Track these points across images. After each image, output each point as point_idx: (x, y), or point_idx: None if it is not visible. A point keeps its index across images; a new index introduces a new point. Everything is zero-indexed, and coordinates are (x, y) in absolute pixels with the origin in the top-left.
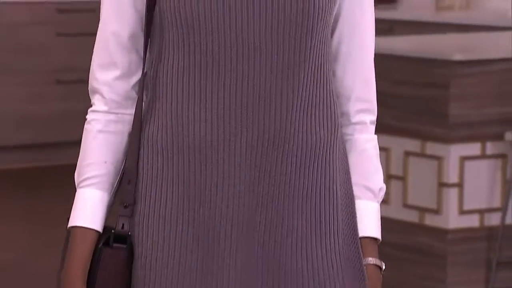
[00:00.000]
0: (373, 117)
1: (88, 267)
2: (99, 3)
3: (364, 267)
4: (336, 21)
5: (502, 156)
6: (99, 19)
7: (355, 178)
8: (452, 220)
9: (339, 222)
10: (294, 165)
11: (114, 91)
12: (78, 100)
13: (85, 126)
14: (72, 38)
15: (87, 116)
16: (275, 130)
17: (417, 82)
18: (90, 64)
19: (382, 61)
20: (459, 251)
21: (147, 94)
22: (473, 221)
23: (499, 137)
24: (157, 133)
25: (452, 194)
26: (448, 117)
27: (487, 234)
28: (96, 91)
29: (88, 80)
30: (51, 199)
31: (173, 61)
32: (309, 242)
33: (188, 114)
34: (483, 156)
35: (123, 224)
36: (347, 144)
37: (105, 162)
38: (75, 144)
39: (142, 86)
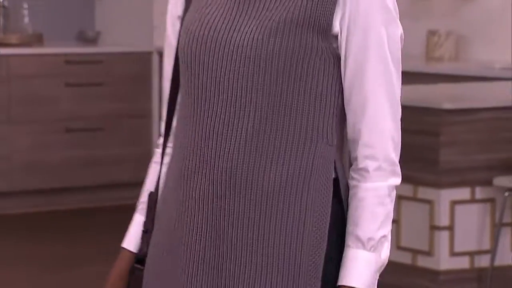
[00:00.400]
0: (381, 163)
1: (118, 282)
2: (105, 55)
3: None
4: (346, 66)
5: (491, 201)
6: (108, 70)
7: (347, 227)
8: (444, 261)
9: (300, 270)
10: (252, 206)
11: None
12: (86, 148)
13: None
14: (80, 88)
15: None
16: (234, 167)
17: (409, 129)
18: (97, 113)
19: None
20: None
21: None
22: (463, 263)
23: (487, 183)
24: (168, 163)
25: (443, 237)
26: (438, 163)
27: (477, 275)
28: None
29: (95, 129)
30: (58, 242)
31: (181, 99)
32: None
33: (176, 152)
34: (472, 200)
35: (142, 247)
36: (351, 190)
37: (151, 189)
38: (83, 189)
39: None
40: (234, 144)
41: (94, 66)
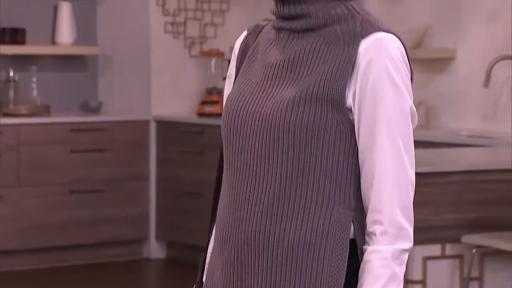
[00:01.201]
0: (387, 228)
1: None
2: (107, 123)
3: None
4: (359, 137)
5: (460, 257)
6: (109, 138)
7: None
8: None
9: None
10: (271, 260)
11: None
12: (88, 208)
13: None
14: (83, 154)
15: None
16: (257, 228)
17: None
18: (99, 176)
19: None
20: None
21: None
22: None
23: (456, 240)
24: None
25: None
26: (414, 221)
27: None
28: None
29: (97, 191)
30: None
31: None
32: None
33: (219, 210)
34: (443, 256)
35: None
36: (364, 253)
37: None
38: (85, 246)
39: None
40: (259, 208)
41: (97, 133)
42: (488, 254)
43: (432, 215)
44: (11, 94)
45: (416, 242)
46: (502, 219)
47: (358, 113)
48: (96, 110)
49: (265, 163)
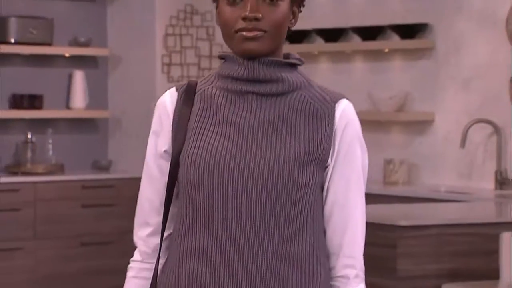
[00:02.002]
0: (357, 272)
1: None
2: (115, 180)
3: None
4: (328, 191)
5: None
6: (118, 194)
7: None
8: None
9: None
10: None
11: (146, 245)
12: (99, 259)
13: (127, 272)
14: (94, 209)
15: (129, 264)
16: (259, 283)
17: (371, 242)
18: (109, 230)
19: None
20: None
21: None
22: None
23: None
24: (166, 279)
25: None
26: (396, 271)
27: None
28: (135, 244)
29: (106, 243)
30: None
31: (183, 220)
32: None
33: (189, 269)
34: None
35: None
36: None
37: None
38: None
39: (161, 238)
40: (262, 258)
41: (106, 190)
42: None
43: (414, 265)
44: (29, 154)
45: None
46: (477, 270)
47: (332, 171)
48: (106, 169)
49: (263, 217)
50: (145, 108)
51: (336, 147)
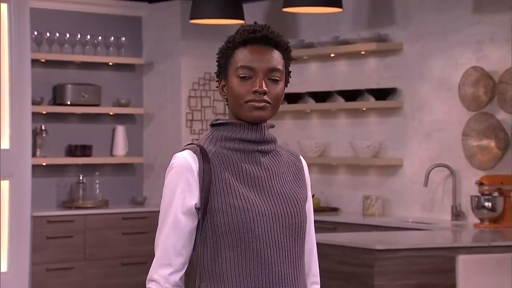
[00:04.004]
0: (319, 286)
1: None
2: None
3: None
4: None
5: None
6: (151, 223)
7: None
8: None
9: None
10: None
11: (168, 281)
12: (136, 276)
13: None
14: (132, 236)
15: None
16: None
17: (352, 263)
18: (143, 252)
19: (329, 248)
20: None
21: (202, 278)
22: None
23: None
24: None
25: None
26: (373, 286)
27: None
28: (154, 280)
29: (142, 263)
30: None
31: (226, 255)
32: None
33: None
34: None
35: None
36: None
37: None
38: None
39: (196, 273)
40: (297, 280)
41: (142, 220)
42: None
43: (389, 281)
44: (80, 192)
45: None
46: (438, 285)
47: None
48: (141, 203)
49: (286, 247)
50: (172, 154)
51: (307, 189)
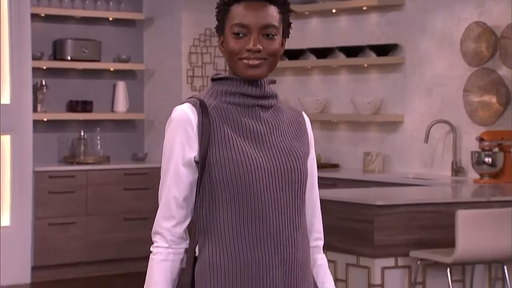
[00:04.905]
0: (323, 242)
1: None
2: (150, 169)
3: None
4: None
5: (408, 267)
6: (152, 179)
7: (318, 283)
8: None
9: None
10: (299, 275)
11: (172, 234)
12: (137, 231)
13: (151, 256)
14: (133, 191)
15: (152, 250)
16: (289, 254)
17: (353, 218)
18: (145, 208)
19: (330, 204)
20: None
21: (200, 232)
22: None
23: (406, 255)
24: (217, 258)
25: None
26: (373, 241)
27: None
28: (158, 233)
29: (143, 218)
30: None
31: (222, 210)
32: None
33: (237, 246)
34: (396, 266)
35: None
36: (311, 260)
37: (167, 282)
38: (135, 259)
39: (195, 228)
40: (295, 237)
41: (143, 176)
42: (429, 265)
43: (388, 236)
44: (82, 148)
45: (377, 256)
46: (438, 239)
47: (308, 164)
48: (142, 159)
49: (289, 203)
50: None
51: (309, 145)
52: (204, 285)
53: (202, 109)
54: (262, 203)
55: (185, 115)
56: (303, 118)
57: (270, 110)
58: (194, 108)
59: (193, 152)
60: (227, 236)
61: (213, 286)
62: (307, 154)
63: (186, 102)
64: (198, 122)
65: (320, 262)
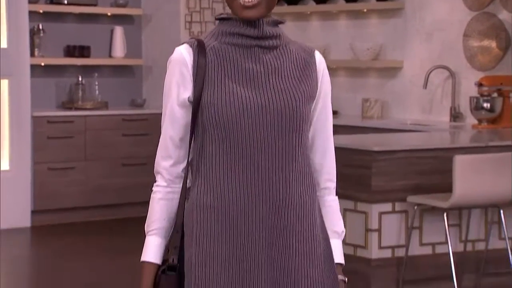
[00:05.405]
0: (334, 184)
1: (152, 286)
2: (149, 115)
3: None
4: (311, 122)
5: (405, 212)
6: (150, 126)
7: (327, 225)
8: (374, 253)
9: (320, 251)
10: (294, 216)
11: (169, 173)
12: (135, 176)
13: (152, 195)
14: (132, 137)
15: (153, 189)
16: (281, 195)
17: (351, 164)
18: (144, 154)
19: None
20: (379, 273)
21: (192, 173)
22: (387, 254)
23: (403, 200)
24: (205, 198)
25: (374, 236)
26: (371, 186)
27: (397, 262)
28: (158, 172)
29: (141, 164)
30: (118, 238)
31: (212, 151)
32: (303, 263)
33: (225, 187)
34: (393, 211)
35: (173, 259)
36: (320, 203)
37: (164, 219)
38: (133, 204)
39: (186, 169)
40: (288, 178)
41: (142, 122)
42: (426, 210)
43: (385, 182)
44: (80, 93)
45: (374, 201)
46: (436, 185)
47: (316, 104)
48: (141, 105)
49: (278, 144)
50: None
51: (319, 86)
52: (191, 224)
53: (199, 49)
54: (251, 143)
55: (181, 56)
56: (313, 58)
57: (274, 51)
58: (191, 48)
59: (187, 92)
60: (215, 177)
61: (199, 225)
62: (309, 94)
63: (185, 43)
64: (193, 63)
65: (329, 204)
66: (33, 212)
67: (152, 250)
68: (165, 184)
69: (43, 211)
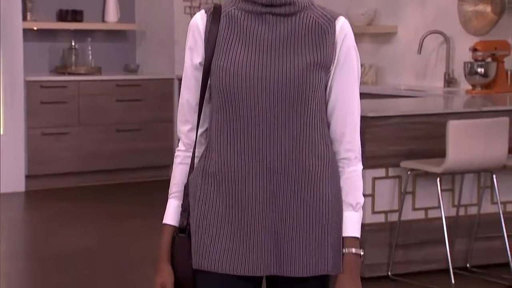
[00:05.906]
0: (357, 154)
1: (169, 247)
2: (142, 81)
3: (341, 253)
4: (331, 90)
5: (399, 177)
6: (144, 91)
7: (343, 196)
8: (368, 217)
9: (328, 221)
10: (296, 183)
11: (188, 138)
12: (129, 142)
13: (174, 159)
14: (126, 103)
15: (175, 153)
16: (282, 161)
17: None
18: (137, 119)
19: None
20: (372, 238)
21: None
22: (380, 218)
23: (396, 165)
24: (209, 166)
25: (367, 201)
26: (364, 152)
27: (390, 227)
28: (179, 137)
29: (135, 130)
30: (113, 204)
31: (217, 118)
32: (305, 233)
33: (226, 154)
34: (386, 177)
35: (183, 221)
36: (340, 173)
37: (182, 183)
38: (127, 170)
39: (196, 134)
40: (283, 143)
41: (135, 88)
42: (419, 175)
43: (379, 147)
44: (73, 58)
45: (367, 166)
46: (429, 150)
47: (334, 75)
48: (134, 71)
49: (283, 113)
50: (165, 21)
51: (337, 55)
52: (194, 189)
53: (213, 15)
54: (252, 112)
55: (194, 22)
56: (332, 26)
57: (288, 18)
58: (205, 15)
59: (199, 57)
60: (218, 144)
61: (199, 190)
62: (320, 63)
63: (203, 8)
64: (205, 28)
65: (348, 176)
66: (27, 177)
67: (170, 213)
68: (183, 148)
69: (37, 176)
